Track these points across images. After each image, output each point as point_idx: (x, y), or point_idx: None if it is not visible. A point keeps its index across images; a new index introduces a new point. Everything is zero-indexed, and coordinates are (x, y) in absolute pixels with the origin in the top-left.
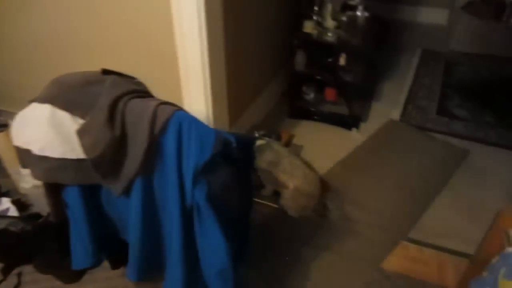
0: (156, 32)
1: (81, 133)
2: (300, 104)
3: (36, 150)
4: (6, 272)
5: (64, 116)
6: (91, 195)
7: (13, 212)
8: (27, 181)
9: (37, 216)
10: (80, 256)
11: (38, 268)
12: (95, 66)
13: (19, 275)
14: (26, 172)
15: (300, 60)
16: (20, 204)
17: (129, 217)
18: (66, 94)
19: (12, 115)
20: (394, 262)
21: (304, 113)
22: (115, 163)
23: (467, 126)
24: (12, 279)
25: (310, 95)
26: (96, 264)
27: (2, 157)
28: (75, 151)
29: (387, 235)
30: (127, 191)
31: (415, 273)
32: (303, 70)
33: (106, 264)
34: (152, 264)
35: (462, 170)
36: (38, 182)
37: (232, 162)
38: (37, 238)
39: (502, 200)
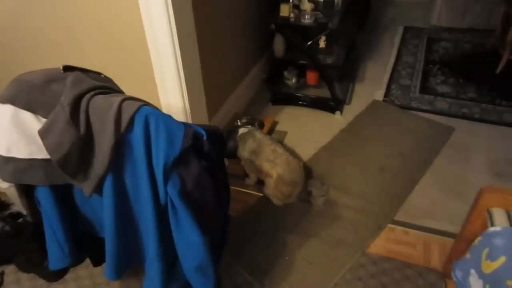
0: (125, 27)
1: (44, 133)
2: (282, 90)
3: (2, 151)
4: None
5: (26, 116)
6: (64, 194)
7: None
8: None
9: (19, 215)
10: (56, 256)
11: (20, 268)
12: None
13: (2, 274)
14: None
15: (279, 45)
16: (0, 203)
17: (103, 215)
18: (27, 93)
19: None
20: (380, 245)
21: (287, 98)
22: (83, 162)
23: (450, 103)
24: None
25: (292, 80)
26: (76, 262)
27: None
28: (43, 150)
29: (372, 218)
30: (98, 190)
31: (401, 256)
32: (282, 55)
33: (89, 261)
34: (132, 260)
35: (447, 147)
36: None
37: (203, 156)
38: (15, 238)
39: (487, 176)
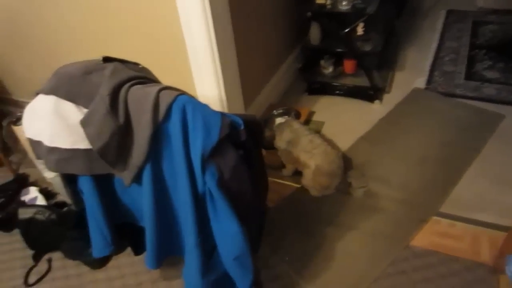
0: (161, 17)
1: (85, 123)
2: (318, 79)
3: (46, 141)
4: (37, 258)
5: (68, 107)
6: (105, 184)
7: (41, 201)
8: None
9: (63, 204)
10: (99, 245)
11: (65, 254)
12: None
13: (49, 261)
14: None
15: (315, 33)
16: (47, 193)
17: (142, 205)
18: (68, 84)
19: None
20: (424, 238)
21: (323, 88)
22: (122, 151)
23: (499, 89)
24: (43, 265)
25: (329, 69)
26: (118, 251)
27: (27, 148)
28: (84, 140)
29: (415, 210)
30: (137, 180)
31: (447, 249)
32: (319, 43)
33: (130, 250)
34: (171, 250)
35: (496, 136)
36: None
37: (241, 145)
38: (61, 227)
39: None
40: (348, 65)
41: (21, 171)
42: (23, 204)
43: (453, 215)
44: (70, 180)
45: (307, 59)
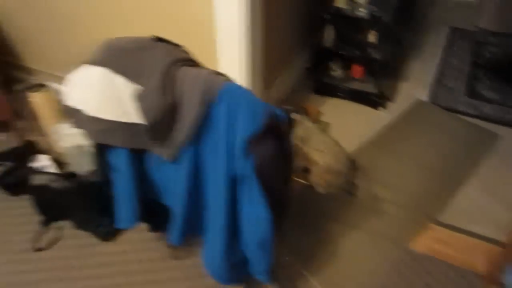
0: (194, 7)
1: (139, 98)
2: (326, 80)
3: (89, 111)
4: (46, 224)
5: (118, 80)
6: (138, 158)
7: (53, 169)
8: (67, 141)
9: (72, 174)
10: (124, 216)
11: (76, 224)
12: (130, 32)
13: (60, 228)
14: (70, 131)
15: (328, 35)
16: (56, 162)
17: (175, 184)
18: (120, 58)
19: (48, 76)
20: (422, 243)
21: (330, 89)
22: (167, 129)
23: (496, 109)
24: (53, 232)
25: (337, 72)
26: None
27: (40, 116)
28: (126, 114)
29: (414, 215)
30: (175, 158)
31: (443, 256)
32: (331, 45)
33: (140, 226)
34: (193, 229)
35: (491, 153)
36: (79, 142)
37: (277, 135)
38: (78, 196)
39: None
40: (357, 69)
41: (27, 138)
42: (33, 171)
43: (451, 224)
44: (101, 151)
45: (316, 59)
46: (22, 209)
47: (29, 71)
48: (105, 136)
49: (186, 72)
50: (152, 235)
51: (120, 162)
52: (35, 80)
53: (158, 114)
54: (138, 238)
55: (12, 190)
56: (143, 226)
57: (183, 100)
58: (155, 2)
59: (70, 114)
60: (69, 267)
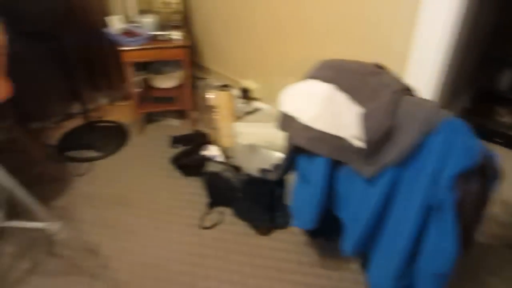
0: (391, 29)
1: (365, 116)
2: (489, 126)
3: (304, 119)
4: (211, 207)
5: (340, 96)
6: (333, 169)
7: (222, 159)
8: (243, 138)
9: (237, 168)
10: (305, 218)
11: (236, 212)
12: (321, 52)
13: (221, 213)
14: (247, 130)
15: (505, 78)
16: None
17: (361, 201)
18: (348, 79)
19: (223, 78)
20: None
21: (492, 135)
22: (378, 149)
23: None
24: (216, 215)
25: (504, 118)
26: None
27: (217, 112)
28: (335, 127)
29: None
30: (373, 177)
31: None
32: (506, 89)
33: (293, 228)
34: (363, 245)
35: None
36: (253, 141)
37: (485, 176)
38: (246, 188)
39: None
40: None
41: (198, 129)
42: (206, 158)
43: None
44: (293, 154)
45: (479, 101)
46: (191, 189)
47: (208, 71)
48: (313, 144)
49: (409, 100)
50: (304, 239)
51: (317, 169)
52: (212, 80)
53: (379, 134)
54: (290, 240)
55: (185, 171)
56: (298, 229)
57: (402, 125)
58: (353, 27)
59: (284, 119)
60: (228, 250)
